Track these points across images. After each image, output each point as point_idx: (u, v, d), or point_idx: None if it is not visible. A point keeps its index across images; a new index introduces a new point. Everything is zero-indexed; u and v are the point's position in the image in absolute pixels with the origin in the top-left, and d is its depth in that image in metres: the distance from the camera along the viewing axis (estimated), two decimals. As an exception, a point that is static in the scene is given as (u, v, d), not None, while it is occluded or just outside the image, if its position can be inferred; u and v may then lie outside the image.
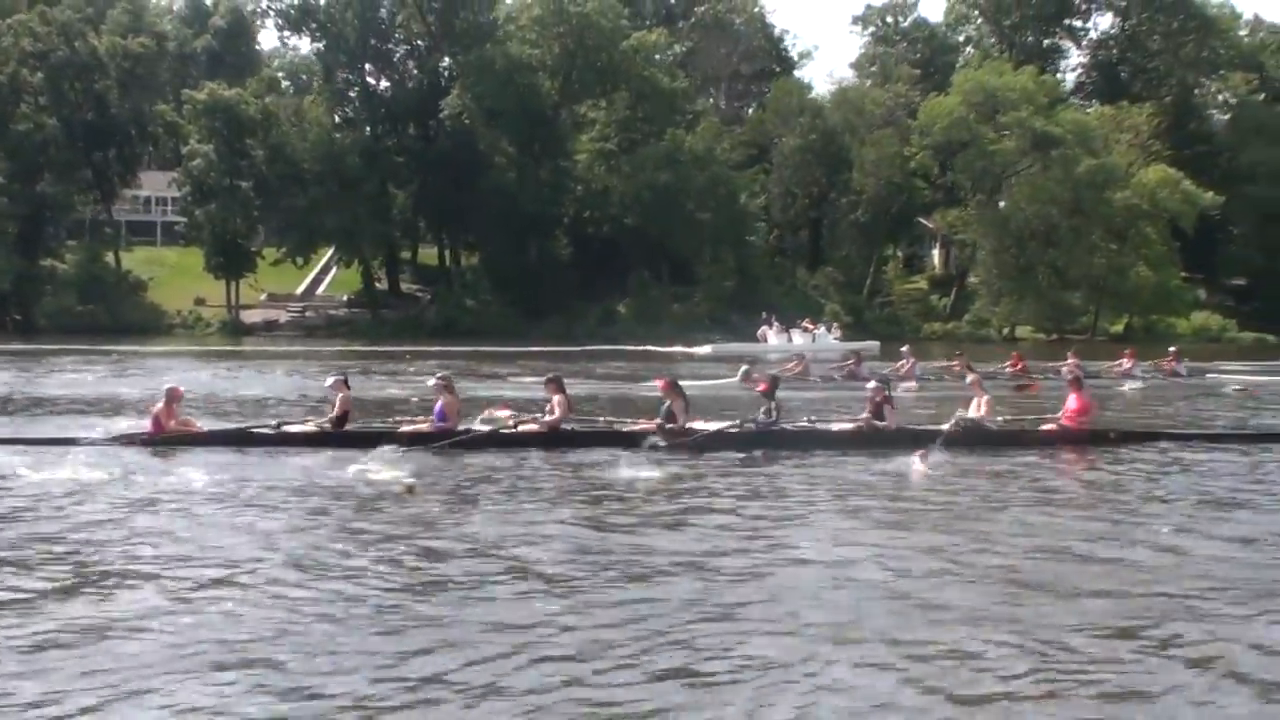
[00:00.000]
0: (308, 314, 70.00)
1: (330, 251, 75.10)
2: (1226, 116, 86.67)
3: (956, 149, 67.04)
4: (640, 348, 46.53)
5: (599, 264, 71.14)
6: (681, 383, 16.72)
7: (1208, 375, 31.93)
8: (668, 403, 15.61)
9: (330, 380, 15.89)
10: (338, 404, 15.35)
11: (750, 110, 79.55)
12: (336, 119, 70.09)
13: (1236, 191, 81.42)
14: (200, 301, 69.53)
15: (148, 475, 12.74)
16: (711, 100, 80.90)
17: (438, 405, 15.34)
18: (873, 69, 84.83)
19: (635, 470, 13.03)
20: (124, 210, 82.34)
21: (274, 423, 15.65)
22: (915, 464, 13.60)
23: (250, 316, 68.12)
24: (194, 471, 12.74)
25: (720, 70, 79.35)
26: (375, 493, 11.81)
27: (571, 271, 71.40)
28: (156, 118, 71.22)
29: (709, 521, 10.57)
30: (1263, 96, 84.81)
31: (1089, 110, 71.35)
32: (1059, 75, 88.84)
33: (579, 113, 70.75)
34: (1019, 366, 29.73)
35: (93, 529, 9.94)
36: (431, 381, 16.00)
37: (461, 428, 15.09)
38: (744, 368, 26.83)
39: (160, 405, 15.20)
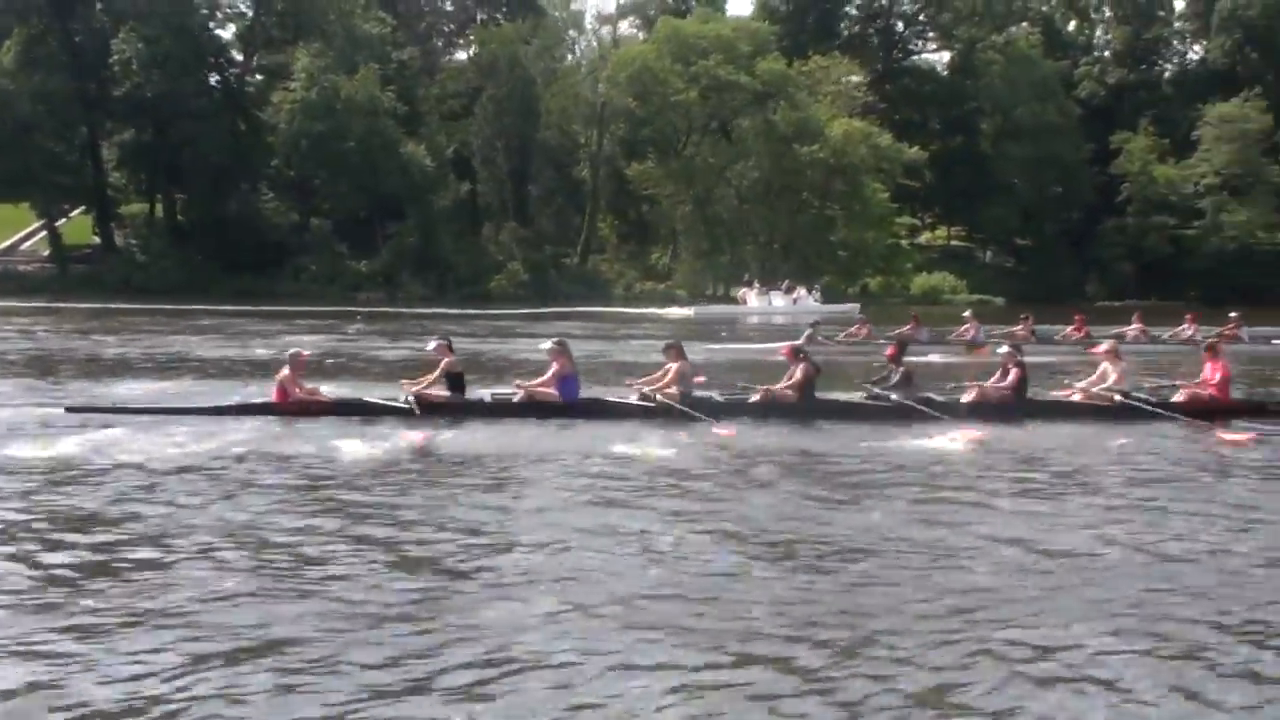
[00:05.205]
0: (-11, 268, 67.34)
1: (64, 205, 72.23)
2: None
3: (651, 99, 63.34)
4: (608, 309, 48.06)
5: (309, 219, 68.61)
6: (688, 346, 16.95)
7: (1272, 340, 31.00)
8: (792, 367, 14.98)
9: (433, 344, 15.10)
10: (441, 367, 14.49)
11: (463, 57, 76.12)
12: (28, 66, 66.77)
13: (1004, 150, 78.83)
14: (-110, 254, 67.14)
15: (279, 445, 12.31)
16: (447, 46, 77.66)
17: (551, 369, 14.81)
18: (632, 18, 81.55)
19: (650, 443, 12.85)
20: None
21: (404, 395, 14.54)
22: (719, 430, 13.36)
23: (-82, 272, 65.54)
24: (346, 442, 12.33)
25: (457, 18, 76.16)
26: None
27: (274, 227, 68.65)
28: None
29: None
30: (1040, 52, 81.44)
31: (808, 61, 67.56)
32: (843, 28, 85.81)
33: (280, 60, 67.56)
34: (1083, 331, 29.65)
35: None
36: (545, 345, 15.48)
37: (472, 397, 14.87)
38: (808, 330, 27.32)
39: (285, 372, 14.30)
